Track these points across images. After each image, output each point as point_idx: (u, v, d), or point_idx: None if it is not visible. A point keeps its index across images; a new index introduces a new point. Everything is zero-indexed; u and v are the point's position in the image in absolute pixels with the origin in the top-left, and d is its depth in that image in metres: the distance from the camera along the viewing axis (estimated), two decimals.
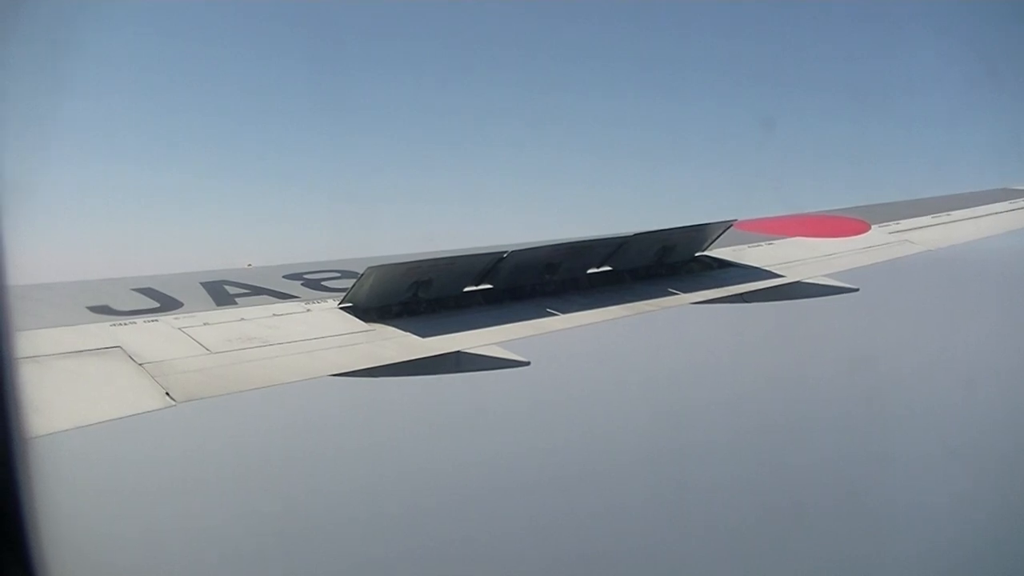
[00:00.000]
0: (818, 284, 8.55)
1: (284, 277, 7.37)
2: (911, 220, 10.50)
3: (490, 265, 7.15)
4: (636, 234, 7.89)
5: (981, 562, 29.02)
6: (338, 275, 7.44)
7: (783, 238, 9.66)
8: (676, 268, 8.35)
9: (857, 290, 8.54)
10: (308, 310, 6.72)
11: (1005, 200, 11.50)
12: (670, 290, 8.01)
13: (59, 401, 4.73)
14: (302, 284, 7.25)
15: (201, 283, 6.97)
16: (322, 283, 7.28)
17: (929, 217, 10.65)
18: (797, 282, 8.55)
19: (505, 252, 7.18)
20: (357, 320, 6.59)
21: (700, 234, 8.38)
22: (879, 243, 9.88)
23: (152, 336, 5.82)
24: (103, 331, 5.76)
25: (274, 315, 6.51)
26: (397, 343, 6.36)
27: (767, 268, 8.74)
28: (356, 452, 40.11)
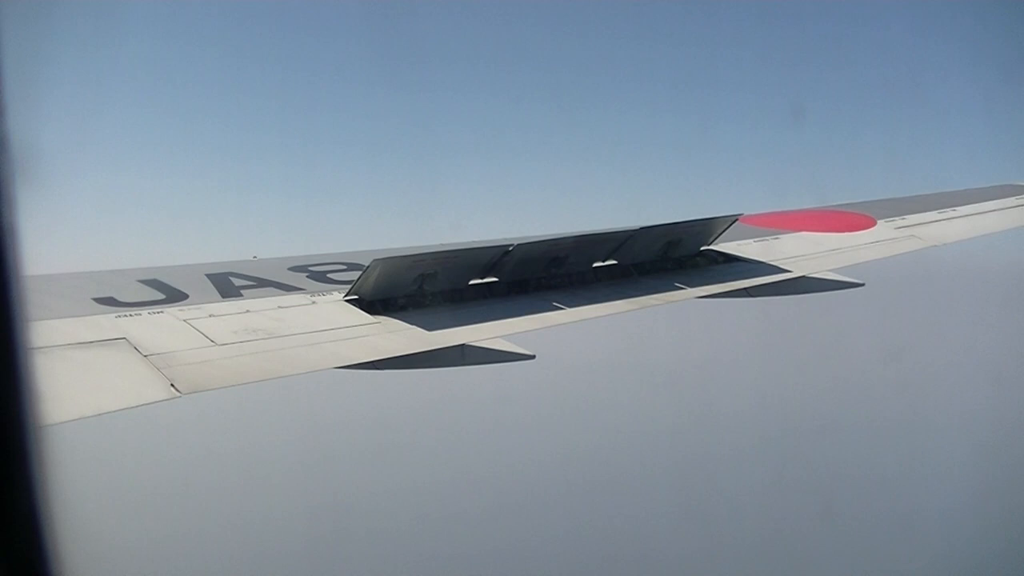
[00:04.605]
0: (824, 279, 8.55)
1: (289, 269, 7.38)
2: (917, 215, 10.49)
3: (496, 258, 7.15)
4: (642, 228, 7.87)
5: (989, 564, 28.92)
6: (343, 267, 7.45)
7: (789, 233, 9.65)
8: (682, 262, 8.34)
9: (863, 285, 8.54)
10: (313, 302, 6.72)
11: (1011, 196, 11.47)
12: (676, 284, 8.01)
13: (63, 392, 4.74)
14: (307, 276, 7.25)
15: (207, 275, 6.97)
16: (327, 275, 7.29)
17: (935, 212, 10.63)
18: (803, 277, 8.55)
19: (511, 245, 7.18)
20: (362, 312, 6.59)
21: (706, 228, 8.37)
22: (885, 238, 9.87)
23: (157, 328, 5.83)
24: (108, 322, 5.76)
25: (279, 307, 6.52)
26: (402, 336, 6.36)
27: (773, 263, 8.73)
28: (361, 445, 40.17)
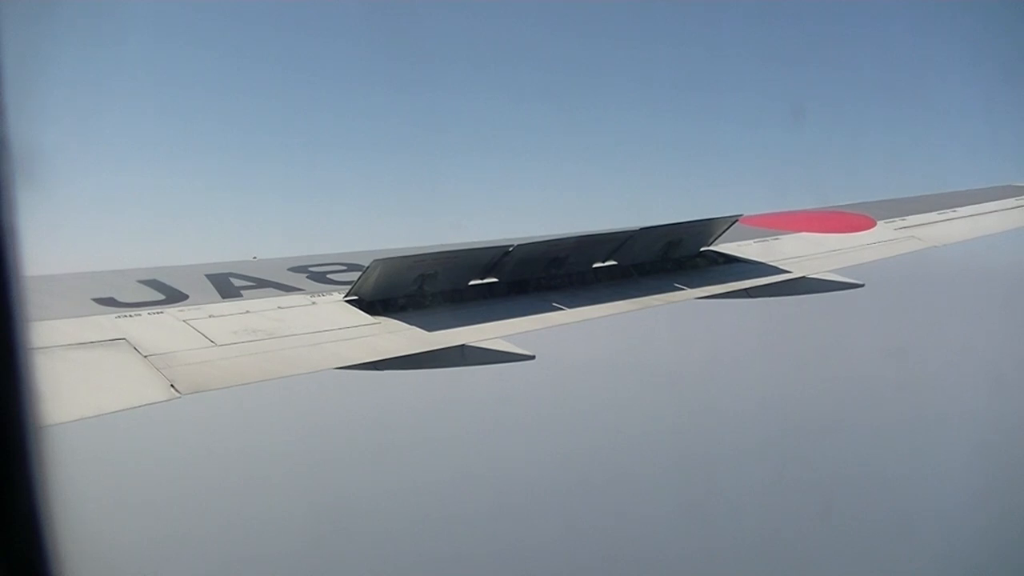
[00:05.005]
0: (824, 280, 8.55)
1: (289, 270, 7.38)
2: (917, 216, 10.49)
3: (496, 259, 7.16)
4: (642, 228, 7.88)
5: (989, 564, 28.88)
6: (343, 268, 7.45)
7: (789, 233, 9.65)
8: (682, 263, 8.34)
9: (863, 286, 8.54)
10: (313, 303, 6.72)
11: (1011, 197, 11.49)
12: (676, 285, 8.01)
13: (64, 392, 4.74)
14: (307, 277, 7.25)
15: (206, 275, 6.97)
16: (327, 276, 7.29)
17: (935, 213, 10.64)
18: (803, 277, 8.55)
19: (511, 246, 7.18)
20: (362, 313, 6.59)
21: (706, 229, 8.37)
22: (885, 239, 9.88)
23: (157, 328, 5.82)
24: (108, 323, 5.76)
25: (279, 308, 6.52)
26: (402, 336, 6.37)
27: (773, 263, 8.73)
28: (361, 445, 40.16)
